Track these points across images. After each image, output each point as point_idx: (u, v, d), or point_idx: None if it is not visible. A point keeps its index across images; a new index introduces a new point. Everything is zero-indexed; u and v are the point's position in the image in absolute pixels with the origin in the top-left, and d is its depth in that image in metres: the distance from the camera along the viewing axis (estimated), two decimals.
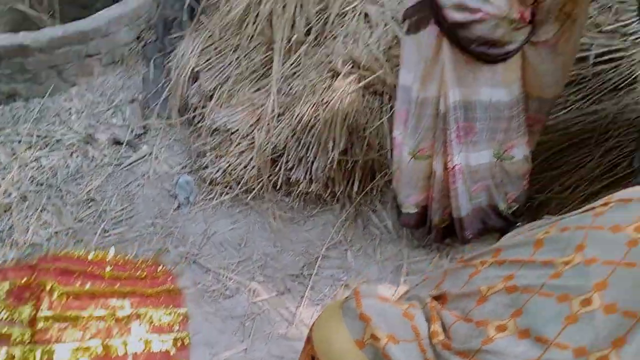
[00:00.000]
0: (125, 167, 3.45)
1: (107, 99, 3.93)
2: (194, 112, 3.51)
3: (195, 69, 3.52)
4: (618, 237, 1.01)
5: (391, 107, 2.95)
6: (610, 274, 0.97)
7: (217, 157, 3.25)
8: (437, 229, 2.57)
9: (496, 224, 2.53)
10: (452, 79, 2.16)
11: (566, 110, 2.80)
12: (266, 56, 3.35)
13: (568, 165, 2.69)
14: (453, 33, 2.06)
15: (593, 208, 1.15)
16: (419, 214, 2.59)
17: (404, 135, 2.40)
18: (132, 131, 3.64)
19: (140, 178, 3.38)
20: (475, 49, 2.09)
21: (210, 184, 3.22)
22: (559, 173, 2.68)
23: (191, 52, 3.52)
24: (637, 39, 2.69)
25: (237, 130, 3.17)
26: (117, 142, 3.60)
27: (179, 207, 3.18)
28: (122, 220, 3.12)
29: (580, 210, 1.17)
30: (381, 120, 2.98)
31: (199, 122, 3.44)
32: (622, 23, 2.71)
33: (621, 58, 2.73)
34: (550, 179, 2.70)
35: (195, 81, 3.55)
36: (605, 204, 1.14)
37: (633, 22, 2.29)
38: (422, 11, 2.10)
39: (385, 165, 2.99)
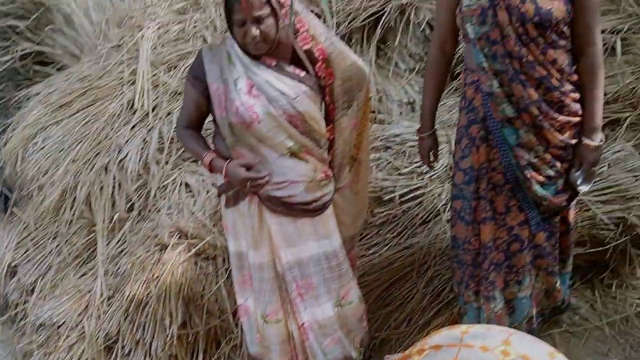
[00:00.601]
0: None
1: None
2: (15, 309, 3.26)
3: (12, 264, 3.31)
4: None
5: (227, 269, 2.95)
6: None
7: (45, 356, 3.00)
8: None
9: None
10: (280, 241, 2.24)
11: (386, 247, 3.00)
12: (89, 239, 3.26)
13: (398, 300, 2.84)
14: (271, 200, 2.18)
15: (410, 356, 1.22)
16: None
17: (251, 300, 2.40)
18: None
19: None
20: (295, 207, 2.21)
21: None
22: (391, 309, 2.81)
23: (6, 247, 3.31)
24: (431, 176, 3.03)
25: (65, 322, 2.97)
26: None
27: None
28: None
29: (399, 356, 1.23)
30: (218, 285, 2.96)
31: (21, 319, 3.19)
32: (416, 165, 3.04)
33: (422, 195, 3.03)
34: (385, 316, 2.82)
35: (14, 276, 3.33)
36: (421, 351, 1.21)
37: (424, 163, 2.60)
38: None
39: (230, 331, 2.93)
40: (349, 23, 3.70)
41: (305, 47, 2.11)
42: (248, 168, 2.11)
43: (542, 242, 2.29)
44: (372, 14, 3.71)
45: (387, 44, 3.80)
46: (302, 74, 2.13)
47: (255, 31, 1.99)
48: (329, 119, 2.26)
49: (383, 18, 3.67)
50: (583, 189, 2.22)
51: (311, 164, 2.19)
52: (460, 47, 2.61)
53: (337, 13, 3.69)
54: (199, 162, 2.37)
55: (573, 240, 2.48)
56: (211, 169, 2.18)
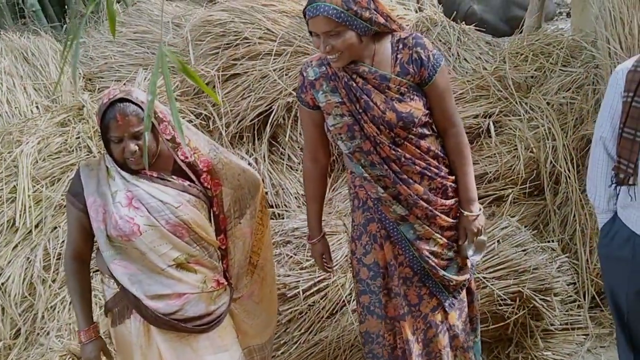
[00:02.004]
0: None
1: None
2: None
3: None
4: None
5: None
6: None
7: None
8: None
9: None
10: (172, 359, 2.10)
11: (295, 345, 2.92)
12: None
13: None
14: (157, 322, 2.06)
15: None
16: None
17: None
18: None
19: None
20: (184, 327, 2.08)
21: None
22: None
23: None
24: (333, 267, 3.02)
25: None
26: None
27: None
28: None
29: None
30: None
31: None
32: None
33: (327, 287, 3.00)
34: None
35: None
36: None
37: (320, 268, 2.60)
38: (122, 302, 2.09)
39: None
40: (238, 123, 3.76)
41: (188, 160, 2.10)
42: None
43: (455, 321, 2.32)
44: (260, 113, 3.80)
45: (278, 139, 3.87)
46: (186, 183, 2.10)
47: (134, 147, 1.97)
48: (220, 229, 2.22)
49: (272, 116, 3.76)
50: (475, 259, 2.31)
51: (200, 274, 2.10)
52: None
53: (226, 114, 3.74)
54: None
55: (478, 308, 2.52)
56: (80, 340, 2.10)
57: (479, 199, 3.43)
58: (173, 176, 2.09)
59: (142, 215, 2.01)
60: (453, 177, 2.21)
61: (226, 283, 2.21)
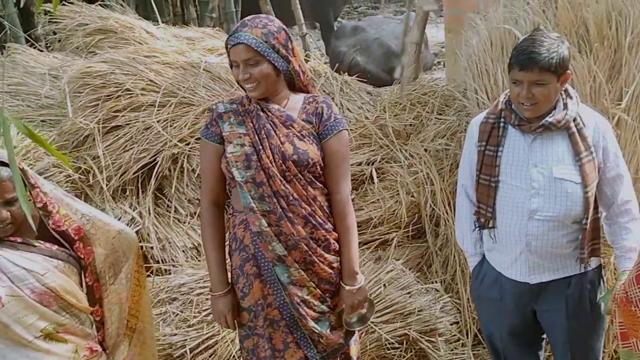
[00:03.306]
0: None
1: None
2: None
3: None
4: None
5: None
6: None
7: None
8: None
9: None
10: None
11: None
12: None
13: None
14: None
15: None
16: None
17: None
18: None
19: None
20: None
21: None
22: None
23: None
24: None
25: None
26: None
27: None
28: None
29: None
30: None
31: None
32: (206, 313, 2.96)
33: (216, 343, 2.93)
34: None
35: None
36: None
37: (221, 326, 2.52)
38: None
39: None
40: (120, 176, 3.64)
41: (60, 229, 2.02)
42: None
43: None
44: (144, 165, 3.71)
45: (164, 191, 3.78)
46: (54, 247, 2.00)
47: (5, 213, 1.91)
48: (95, 298, 2.12)
49: (156, 168, 3.68)
50: (357, 327, 2.26)
51: (71, 343, 1.98)
52: None
53: (107, 168, 3.61)
54: None
55: None
56: None
57: (365, 244, 3.54)
58: (40, 241, 1.98)
59: (4, 286, 1.88)
60: (336, 235, 2.21)
61: (101, 350, 2.10)
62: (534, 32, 2.13)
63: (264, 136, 2.11)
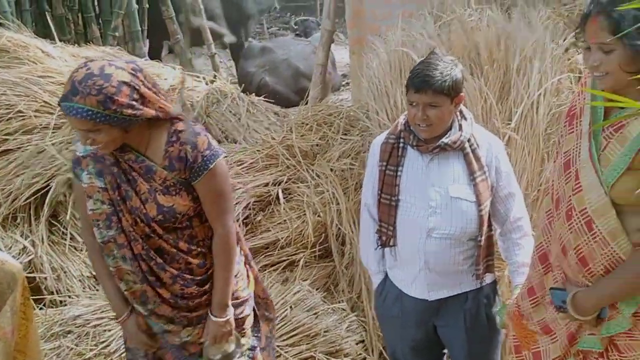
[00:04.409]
0: None
1: None
2: None
3: None
4: None
5: None
6: None
7: None
8: None
9: None
10: None
11: None
12: None
13: None
14: None
15: None
16: None
17: None
18: None
19: None
20: None
21: None
22: None
23: None
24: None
25: None
26: None
27: None
28: None
29: None
30: None
31: None
32: (103, 346, 2.81)
33: None
34: None
35: None
36: None
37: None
38: None
39: None
40: (11, 203, 3.43)
41: None
42: None
43: None
44: (37, 191, 3.51)
45: (59, 218, 3.60)
46: None
47: None
48: None
49: (50, 193, 3.49)
50: (217, 357, 2.16)
51: None
52: None
53: None
54: None
55: None
56: None
57: (272, 265, 3.51)
58: None
59: None
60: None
61: None
62: (430, 55, 2.18)
63: (121, 198, 1.96)
